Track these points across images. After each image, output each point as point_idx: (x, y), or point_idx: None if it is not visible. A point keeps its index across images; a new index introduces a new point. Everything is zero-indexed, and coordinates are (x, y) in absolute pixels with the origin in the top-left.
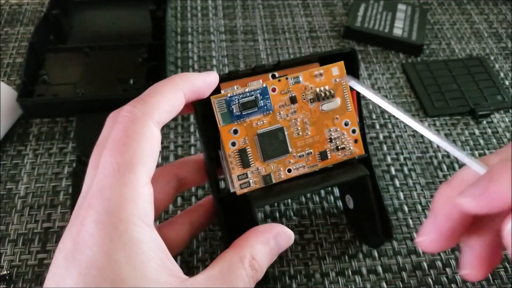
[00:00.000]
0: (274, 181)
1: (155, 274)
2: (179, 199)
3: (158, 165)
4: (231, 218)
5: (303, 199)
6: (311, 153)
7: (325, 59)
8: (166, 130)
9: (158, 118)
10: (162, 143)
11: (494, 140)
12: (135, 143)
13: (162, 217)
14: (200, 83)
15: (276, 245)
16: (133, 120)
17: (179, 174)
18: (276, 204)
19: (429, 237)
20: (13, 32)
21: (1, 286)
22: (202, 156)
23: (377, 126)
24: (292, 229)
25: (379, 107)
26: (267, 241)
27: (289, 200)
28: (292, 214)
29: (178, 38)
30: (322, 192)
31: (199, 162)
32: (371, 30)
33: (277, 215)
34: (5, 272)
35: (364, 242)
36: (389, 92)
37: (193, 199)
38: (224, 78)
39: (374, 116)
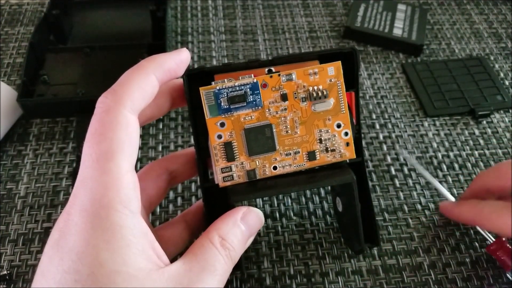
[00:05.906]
0: (258, 177)
1: (134, 259)
2: (179, 199)
3: None
4: (217, 210)
5: (303, 200)
6: (299, 152)
7: (323, 58)
8: (166, 130)
9: (131, 105)
10: (162, 143)
11: (494, 140)
12: (110, 132)
13: (162, 217)
14: (171, 63)
15: (246, 224)
16: (107, 110)
17: (170, 167)
18: (276, 204)
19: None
20: (13, 32)
21: (1, 286)
22: (193, 149)
23: (377, 126)
24: (292, 229)
25: (379, 107)
26: (235, 222)
27: (290, 201)
28: (292, 214)
29: (178, 38)
30: (322, 192)
31: (189, 155)
32: (371, 30)
33: (277, 215)
34: (5, 272)
35: (348, 246)
36: (389, 92)
37: (193, 199)
38: (220, 70)
39: (374, 116)
